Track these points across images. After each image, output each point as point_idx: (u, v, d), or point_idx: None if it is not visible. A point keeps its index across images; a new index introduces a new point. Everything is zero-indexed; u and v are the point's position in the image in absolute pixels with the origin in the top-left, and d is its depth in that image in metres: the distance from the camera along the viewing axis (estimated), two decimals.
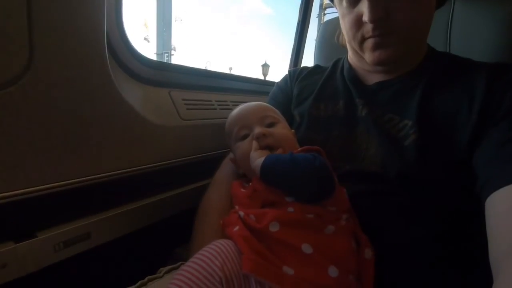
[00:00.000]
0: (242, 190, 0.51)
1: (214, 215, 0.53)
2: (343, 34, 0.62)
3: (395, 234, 0.46)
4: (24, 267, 0.50)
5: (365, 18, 0.50)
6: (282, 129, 0.56)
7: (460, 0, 0.80)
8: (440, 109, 0.50)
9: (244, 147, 0.53)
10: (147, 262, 0.58)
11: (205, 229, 0.52)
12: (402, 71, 0.57)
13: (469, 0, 0.80)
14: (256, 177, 0.49)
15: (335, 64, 0.70)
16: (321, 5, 8.75)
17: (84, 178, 0.56)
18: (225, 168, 0.64)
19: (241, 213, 0.45)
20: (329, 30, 1.04)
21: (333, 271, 0.38)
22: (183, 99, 0.80)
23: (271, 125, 0.56)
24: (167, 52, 6.52)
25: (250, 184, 0.51)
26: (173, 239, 0.73)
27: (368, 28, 0.52)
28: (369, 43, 0.53)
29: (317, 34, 1.09)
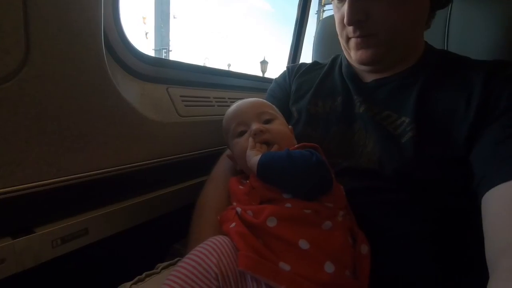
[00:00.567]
0: (240, 187, 0.51)
1: (212, 211, 0.54)
2: None
3: (392, 230, 0.46)
4: (22, 263, 0.50)
5: (344, 20, 0.51)
6: (279, 126, 0.56)
7: None
8: (438, 107, 0.50)
9: (242, 144, 0.53)
10: (144, 258, 0.58)
11: (202, 225, 0.53)
12: (400, 68, 0.57)
13: None
14: (253, 174, 0.49)
15: (334, 61, 0.70)
16: (320, 1, 8.70)
17: (81, 174, 0.56)
18: (223, 165, 0.65)
19: (239, 209, 0.46)
20: (328, 27, 1.04)
21: (329, 267, 0.39)
22: (181, 96, 0.79)
23: (268, 121, 0.56)
24: (165, 48, 6.50)
25: (248, 181, 0.51)
26: (170, 235, 0.73)
27: (349, 28, 0.53)
28: (352, 42, 0.55)
29: (316, 31, 1.09)
